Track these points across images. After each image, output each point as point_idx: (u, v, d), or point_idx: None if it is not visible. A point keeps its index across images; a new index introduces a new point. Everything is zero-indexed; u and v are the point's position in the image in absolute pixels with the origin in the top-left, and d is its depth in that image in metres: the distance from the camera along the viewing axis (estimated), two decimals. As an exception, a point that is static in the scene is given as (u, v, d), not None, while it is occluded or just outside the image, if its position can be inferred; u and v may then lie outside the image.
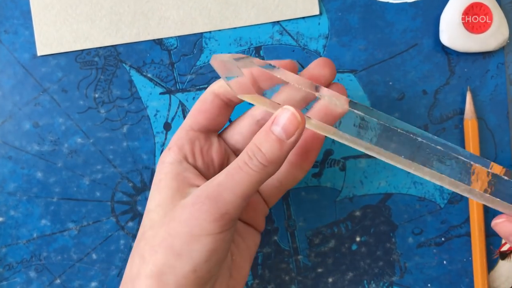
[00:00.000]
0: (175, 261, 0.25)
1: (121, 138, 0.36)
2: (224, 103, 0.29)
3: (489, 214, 0.36)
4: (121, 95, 0.36)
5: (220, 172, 0.26)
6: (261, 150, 0.25)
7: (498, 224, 0.28)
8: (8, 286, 0.36)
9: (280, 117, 0.25)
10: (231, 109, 0.30)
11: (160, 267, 0.25)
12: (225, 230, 0.25)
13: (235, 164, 0.25)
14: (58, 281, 0.36)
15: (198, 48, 0.36)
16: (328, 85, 0.29)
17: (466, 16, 0.35)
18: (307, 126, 0.26)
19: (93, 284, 0.36)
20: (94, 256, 0.36)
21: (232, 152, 0.31)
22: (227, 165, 0.30)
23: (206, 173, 0.29)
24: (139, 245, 0.27)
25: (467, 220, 0.36)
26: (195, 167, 0.29)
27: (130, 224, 0.36)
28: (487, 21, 0.35)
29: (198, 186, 0.27)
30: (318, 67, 0.29)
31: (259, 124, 0.30)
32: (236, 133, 0.31)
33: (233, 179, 0.25)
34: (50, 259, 0.36)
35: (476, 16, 0.35)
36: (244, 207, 0.26)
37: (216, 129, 0.30)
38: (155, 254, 0.25)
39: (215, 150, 0.30)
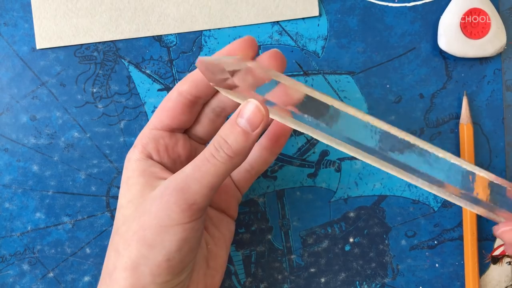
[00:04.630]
0: (148, 252, 0.26)
1: (118, 133, 0.36)
2: (188, 100, 0.29)
3: (482, 218, 0.36)
4: (119, 90, 0.36)
5: (188, 164, 0.26)
6: (227, 142, 0.26)
7: (506, 232, 0.27)
8: (1, 278, 0.36)
9: (245, 110, 0.26)
10: (198, 107, 0.30)
11: (134, 259, 0.26)
12: (194, 220, 0.26)
13: (202, 156, 0.26)
14: (51, 274, 0.36)
15: (197, 46, 0.36)
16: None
17: (465, 21, 0.35)
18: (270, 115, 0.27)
19: (86, 278, 0.36)
20: (88, 250, 0.36)
21: (197, 144, 0.31)
22: (195, 157, 0.30)
23: (173, 168, 0.29)
24: (113, 240, 0.28)
25: (460, 224, 0.36)
26: (161, 164, 0.29)
27: (125, 219, 0.36)
28: (485, 27, 0.35)
29: (166, 178, 0.28)
30: (269, 58, 0.29)
31: (215, 112, 0.30)
32: (195, 124, 0.31)
33: (200, 170, 0.26)
34: (44, 252, 0.36)
35: (474, 22, 0.35)
36: (212, 197, 0.27)
37: (181, 127, 0.30)
38: (129, 247, 0.26)
39: (181, 146, 0.30)
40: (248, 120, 0.25)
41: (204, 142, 0.32)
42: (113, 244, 0.27)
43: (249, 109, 0.26)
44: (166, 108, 0.29)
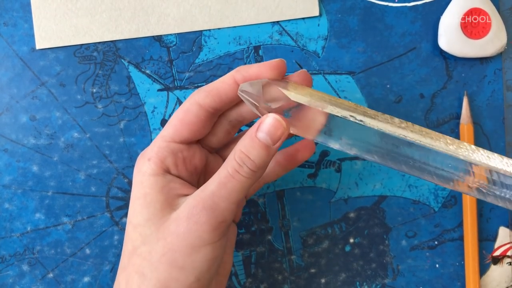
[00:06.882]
0: (179, 274, 0.25)
1: (118, 133, 0.36)
2: (210, 113, 0.28)
3: (482, 218, 0.36)
4: (119, 90, 0.36)
5: (210, 181, 0.26)
6: (249, 157, 0.25)
7: None
8: (1, 279, 0.36)
9: (265, 124, 0.26)
10: (216, 118, 0.29)
11: (164, 282, 0.25)
12: (222, 237, 0.26)
13: (226, 172, 0.26)
14: (50, 275, 0.36)
15: (197, 46, 0.36)
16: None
17: (465, 21, 0.35)
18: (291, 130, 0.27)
19: (86, 279, 0.36)
20: (87, 251, 0.36)
21: (208, 152, 0.31)
22: (208, 166, 0.30)
23: (190, 179, 0.29)
24: (133, 262, 0.27)
25: (460, 224, 0.36)
26: (179, 177, 0.28)
27: (125, 219, 0.36)
28: (486, 26, 0.35)
29: (186, 195, 0.27)
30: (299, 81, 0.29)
31: (232, 124, 0.30)
32: (209, 135, 0.30)
33: (226, 188, 0.26)
34: (44, 253, 0.36)
35: (474, 22, 0.35)
36: (236, 211, 0.27)
37: (198, 139, 0.29)
38: (157, 270, 0.26)
39: (198, 158, 0.29)
40: (269, 134, 0.25)
41: (214, 150, 0.31)
42: (134, 266, 0.26)
43: (268, 122, 0.26)
44: (187, 121, 0.28)
